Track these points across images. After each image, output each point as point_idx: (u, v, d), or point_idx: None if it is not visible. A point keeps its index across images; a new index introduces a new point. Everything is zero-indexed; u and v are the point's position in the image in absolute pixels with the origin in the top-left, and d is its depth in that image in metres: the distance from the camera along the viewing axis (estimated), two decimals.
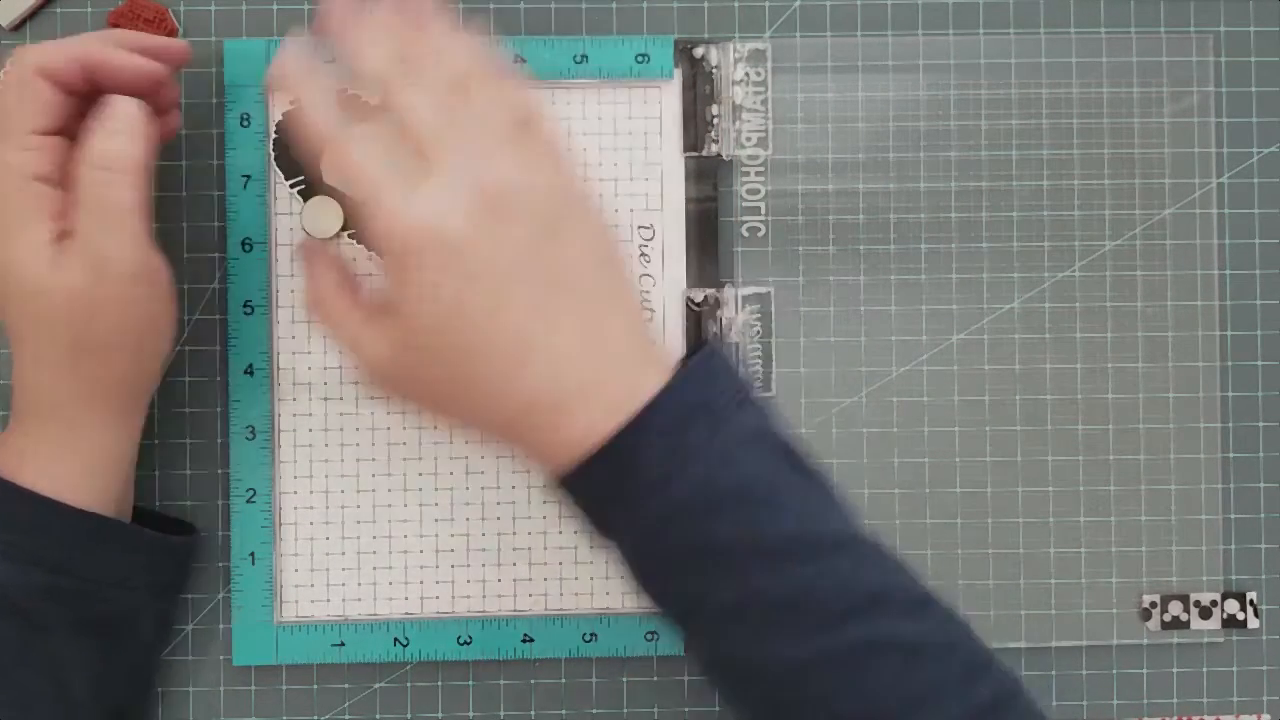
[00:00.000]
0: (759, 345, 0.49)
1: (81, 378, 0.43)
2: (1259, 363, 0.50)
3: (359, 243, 0.49)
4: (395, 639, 0.49)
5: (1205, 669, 0.50)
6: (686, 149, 0.49)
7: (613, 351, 0.39)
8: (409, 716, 0.49)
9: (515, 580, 0.49)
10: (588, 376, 0.38)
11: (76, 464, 0.43)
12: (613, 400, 0.38)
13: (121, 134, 0.42)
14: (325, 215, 0.48)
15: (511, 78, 0.41)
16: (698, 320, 0.49)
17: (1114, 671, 0.50)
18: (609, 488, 0.38)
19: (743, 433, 0.38)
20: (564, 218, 0.39)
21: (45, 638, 0.43)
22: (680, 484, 0.37)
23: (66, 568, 0.43)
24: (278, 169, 0.49)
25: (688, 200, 0.49)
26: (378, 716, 0.49)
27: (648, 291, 0.49)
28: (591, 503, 0.39)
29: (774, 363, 0.49)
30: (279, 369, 0.49)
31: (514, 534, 0.49)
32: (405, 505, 0.49)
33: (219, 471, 0.49)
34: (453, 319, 0.38)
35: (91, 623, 0.44)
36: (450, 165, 0.38)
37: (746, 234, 0.50)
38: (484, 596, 0.49)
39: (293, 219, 0.49)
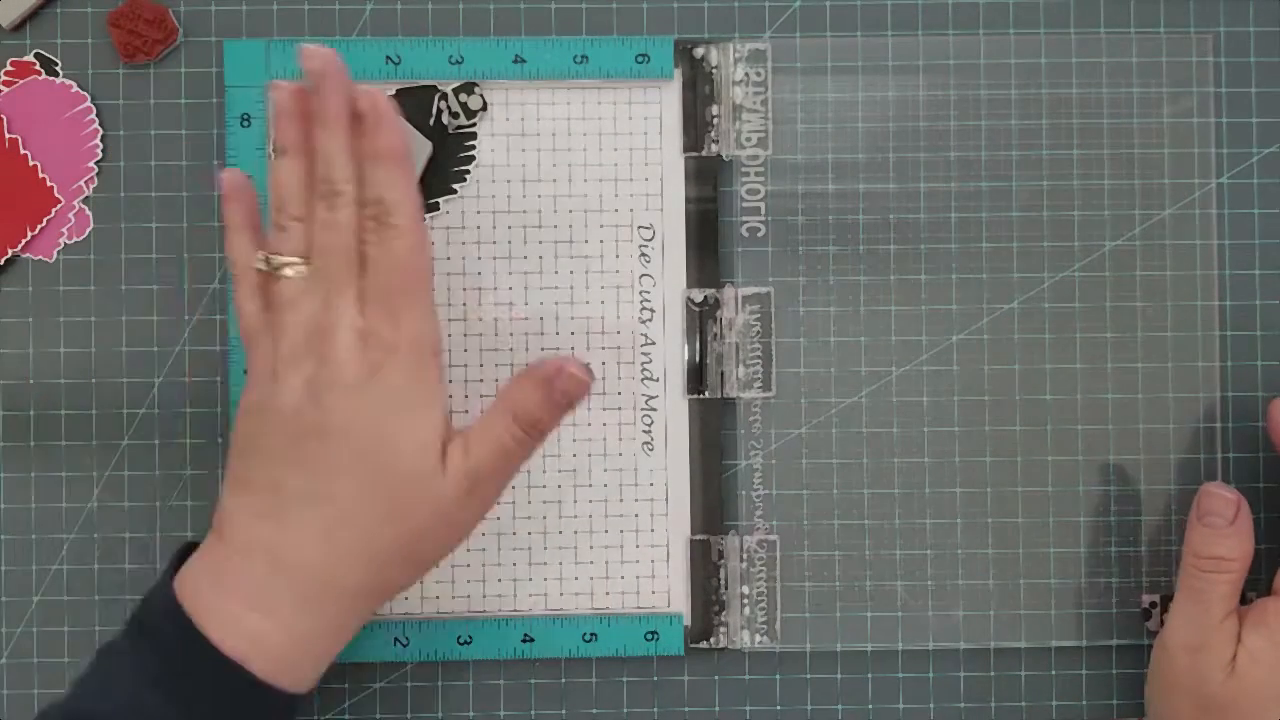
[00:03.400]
0: (759, 345, 0.49)
1: (386, 580, 0.42)
2: (1259, 362, 0.50)
3: None
4: (395, 639, 0.49)
5: None
6: (686, 149, 0.49)
7: None
8: (409, 716, 0.49)
9: (515, 580, 0.49)
10: None
11: (310, 656, 0.41)
12: None
13: (555, 405, 0.42)
14: None
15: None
16: (698, 320, 0.49)
17: (1114, 671, 0.50)
18: None
19: None
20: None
21: None
22: None
23: None
24: None
25: (688, 200, 0.49)
26: (378, 716, 0.49)
27: (648, 292, 0.49)
28: None
29: (774, 363, 0.49)
30: None
31: (514, 534, 0.49)
32: None
33: (219, 471, 0.49)
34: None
35: None
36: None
37: (746, 234, 0.50)
38: (484, 596, 0.49)
39: None
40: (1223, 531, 0.45)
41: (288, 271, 0.41)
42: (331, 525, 0.40)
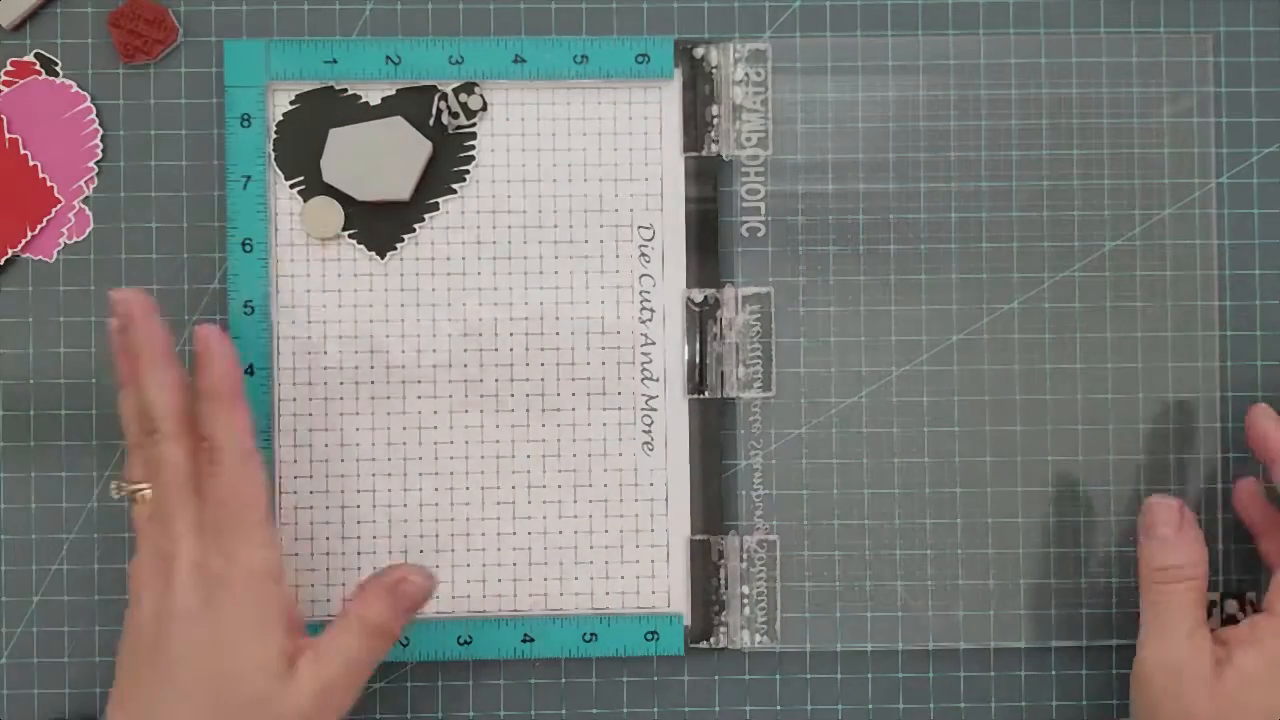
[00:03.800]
0: (759, 345, 0.49)
1: None
2: (1259, 363, 0.50)
3: (360, 243, 0.49)
4: None
5: None
6: (686, 149, 0.49)
7: None
8: (409, 716, 0.49)
9: (515, 580, 0.49)
10: None
11: None
12: None
13: (398, 610, 0.44)
14: (325, 215, 0.48)
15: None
16: (698, 320, 0.49)
17: (1114, 671, 0.50)
18: None
19: None
20: None
21: None
22: None
23: None
24: (278, 169, 0.49)
25: (688, 200, 0.49)
26: (378, 716, 0.49)
27: (648, 292, 0.49)
28: None
29: (774, 363, 0.49)
30: (279, 369, 0.49)
31: (514, 534, 0.49)
32: (405, 505, 0.49)
33: None
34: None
35: None
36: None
37: (746, 234, 0.50)
38: (484, 596, 0.49)
39: (293, 219, 0.49)
40: (1172, 541, 0.45)
41: (139, 496, 0.43)
42: None
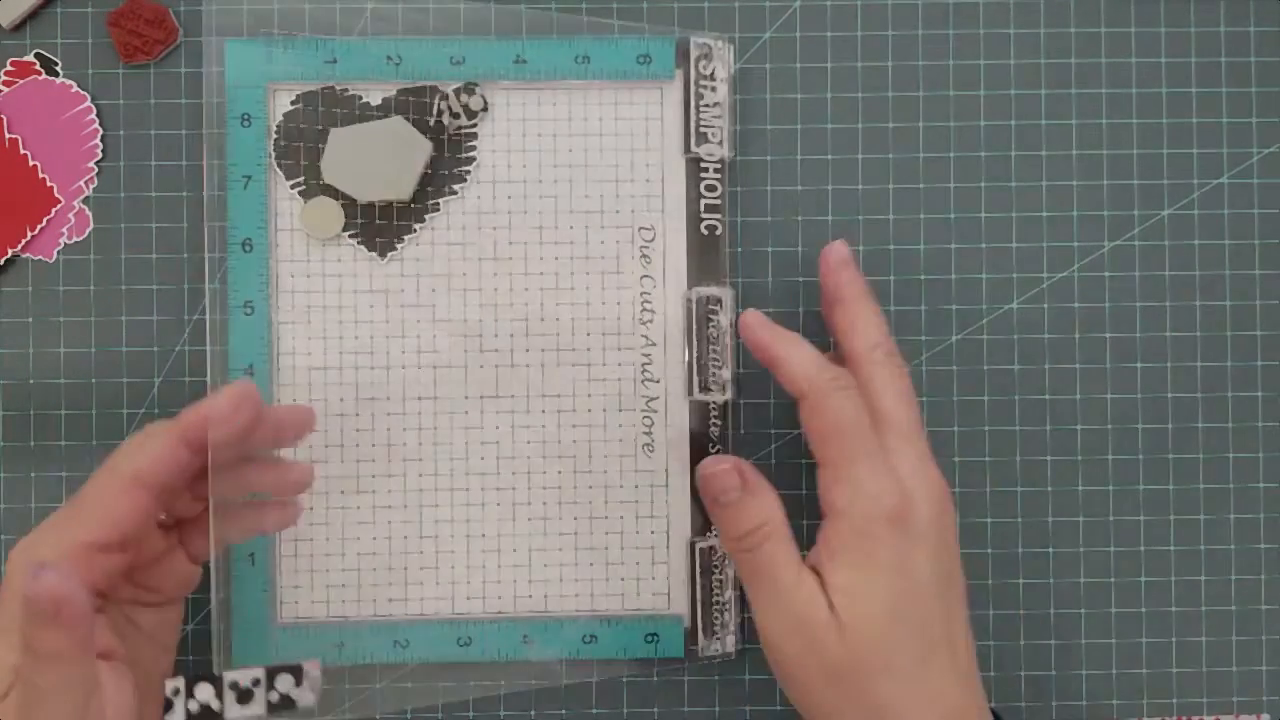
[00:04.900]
0: None
1: None
2: (1259, 363, 0.50)
3: (360, 243, 0.49)
4: (395, 640, 0.49)
5: (1205, 669, 0.50)
6: (687, 149, 0.49)
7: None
8: (409, 716, 0.49)
9: (515, 582, 0.49)
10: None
11: None
12: None
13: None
14: (325, 215, 0.48)
15: None
16: (698, 321, 0.49)
17: (1114, 671, 0.50)
18: None
19: None
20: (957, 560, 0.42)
21: None
22: None
23: None
24: (278, 169, 0.49)
25: (689, 201, 0.49)
26: (378, 717, 0.49)
27: (648, 293, 0.49)
28: None
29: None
30: (279, 368, 0.49)
31: (514, 535, 0.49)
32: (405, 506, 0.49)
33: None
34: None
35: None
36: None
37: (747, 234, 0.50)
38: (484, 598, 0.49)
39: (293, 219, 0.49)
40: (744, 501, 0.42)
41: None
42: None
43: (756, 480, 0.43)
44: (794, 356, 0.43)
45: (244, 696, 0.40)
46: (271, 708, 0.40)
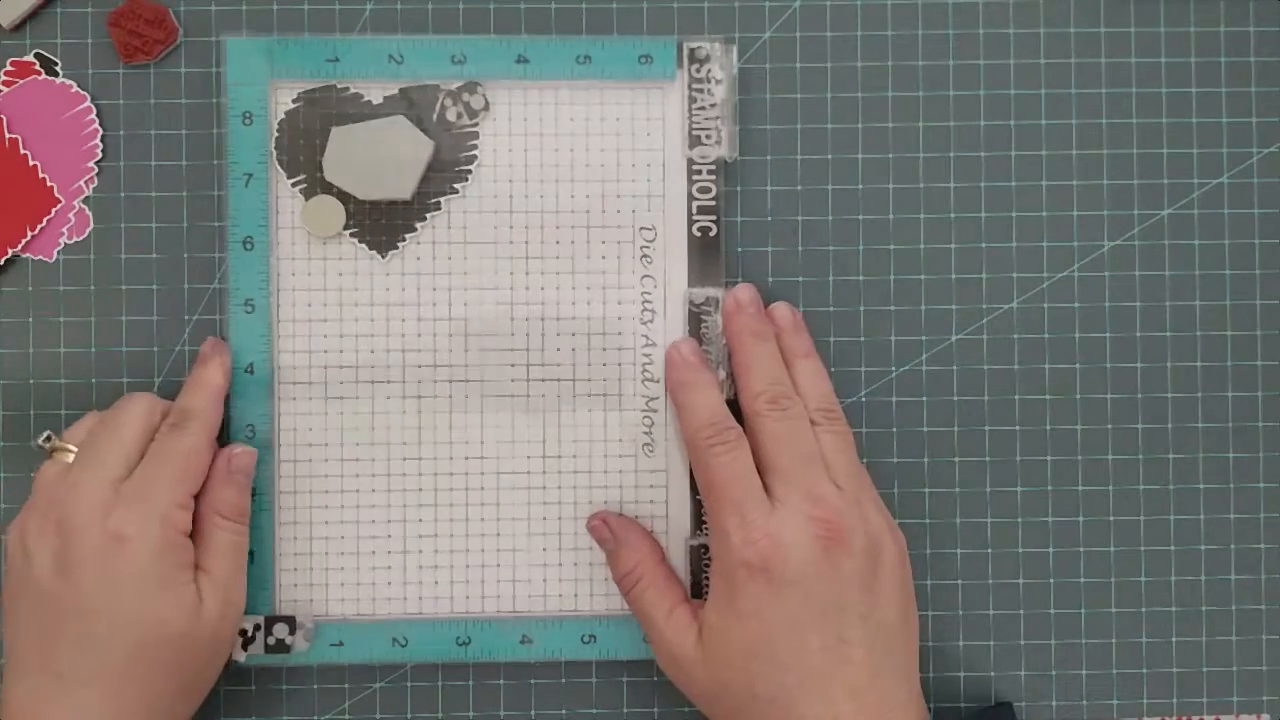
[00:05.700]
0: None
1: (175, 716, 0.45)
2: (1259, 363, 0.50)
3: (361, 242, 0.49)
4: (394, 639, 0.49)
5: (1205, 669, 0.50)
6: (688, 149, 0.49)
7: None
8: (409, 716, 0.49)
9: (514, 581, 0.49)
10: None
11: None
12: None
13: (243, 486, 0.47)
14: (327, 214, 0.48)
15: None
16: (698, 321, 0.49)
17: (1114, 672, 0.50)
18: None
19: None
20: (883, 564, 0.44)
21: None
22: None
23: None
24: (279, 168, 0.49)
25: (689, 201, 0.49)
26: (377, 716, 0.49)
27: (649, 292, 0.49)
28: None
29: None
30: (279, 369, 0.49)
31: (513, 535, 0.49)
32: (405, 505, 0.49)
33: None
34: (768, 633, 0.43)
35: None
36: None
37: (747, 234, 0.50)
38: (483, 597, 0.49)
39: (294, 218, 0.49)
40: (616, 550, 0.47)
41: (58, 456, 0.45)
42: (111, 695, 0.42)
43: (624, 530, 0.48)
44: (694, 404, 0.46)
45: (246, 644, 0.48)
46: (269, 649, 0.48)
